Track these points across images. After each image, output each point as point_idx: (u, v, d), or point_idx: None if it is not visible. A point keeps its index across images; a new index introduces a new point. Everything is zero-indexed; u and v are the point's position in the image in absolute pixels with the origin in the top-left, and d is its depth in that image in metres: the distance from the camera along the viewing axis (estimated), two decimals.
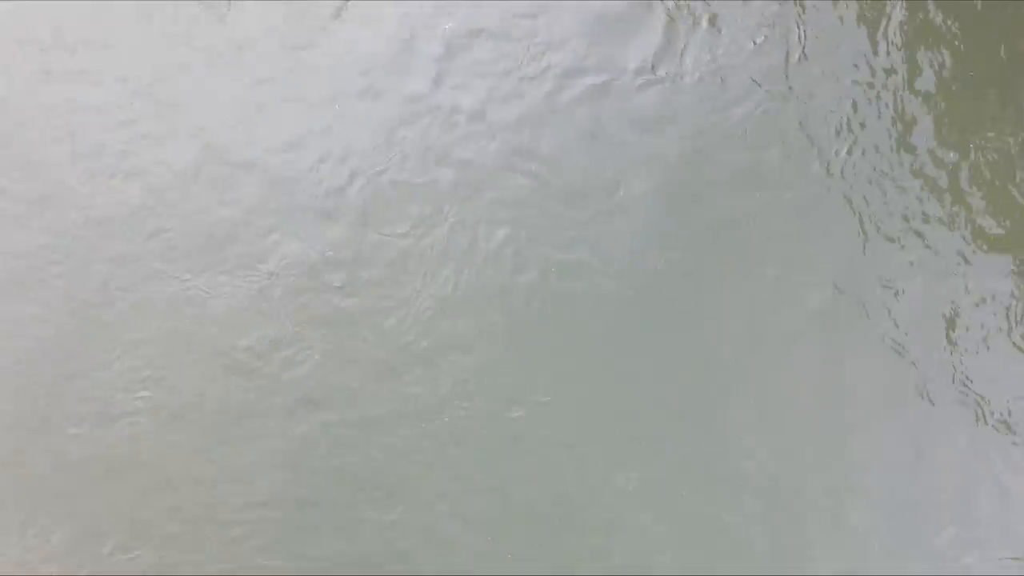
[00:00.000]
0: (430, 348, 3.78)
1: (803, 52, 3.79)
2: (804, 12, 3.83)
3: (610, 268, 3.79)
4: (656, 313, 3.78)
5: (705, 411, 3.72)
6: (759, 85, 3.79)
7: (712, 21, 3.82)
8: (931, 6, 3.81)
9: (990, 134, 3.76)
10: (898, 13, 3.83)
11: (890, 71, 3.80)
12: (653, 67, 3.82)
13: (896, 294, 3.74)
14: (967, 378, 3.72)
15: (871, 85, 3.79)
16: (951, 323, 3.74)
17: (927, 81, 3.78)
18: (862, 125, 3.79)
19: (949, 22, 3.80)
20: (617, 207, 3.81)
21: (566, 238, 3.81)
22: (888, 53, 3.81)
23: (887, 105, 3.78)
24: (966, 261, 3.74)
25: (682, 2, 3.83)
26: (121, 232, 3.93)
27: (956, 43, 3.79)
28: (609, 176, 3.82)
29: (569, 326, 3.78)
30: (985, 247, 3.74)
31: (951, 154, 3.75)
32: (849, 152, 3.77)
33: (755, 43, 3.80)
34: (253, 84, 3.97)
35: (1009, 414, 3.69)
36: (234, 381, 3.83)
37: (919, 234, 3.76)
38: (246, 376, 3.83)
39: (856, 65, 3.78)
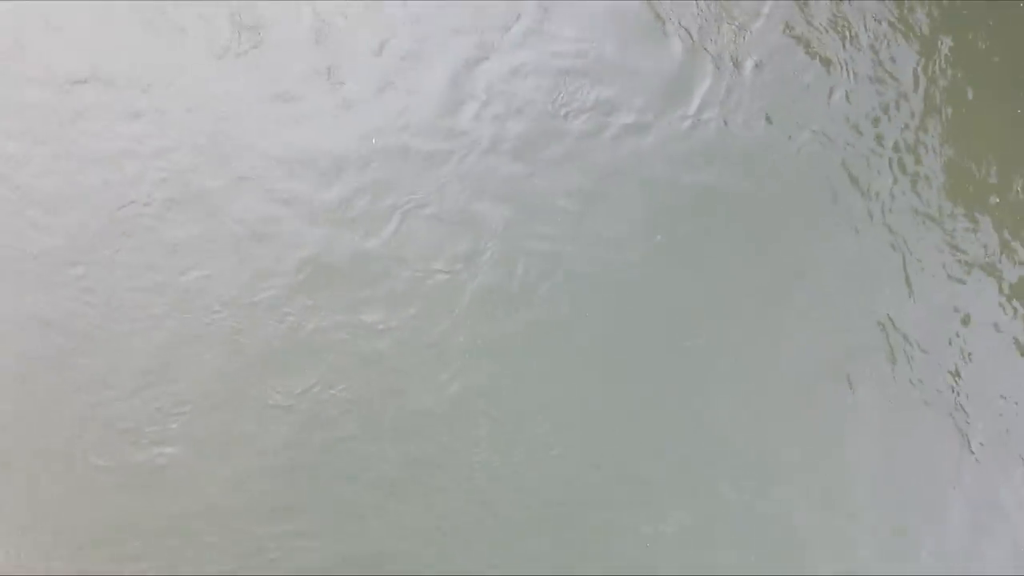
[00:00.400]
0: (453, 367, 3.70)
1: (846, 93, 3.88)
2: (847, 52, 3.95)
3: (648, 307, 3.76)
4: (691, 347, 3.73)
5: (731, 448, 3.67)
6: (803, 127, 3.86)
7: (757, 63, 3.91)
8: (981, 41, 3.95)
9: None
10: (945, 46, 3.95)
11: (934, 109, 3.91)
12: (697, 108, 3.89)
13: (937, 337, 3.73)
14: (1008, 427, 3.68)
15: (915, 125, 3.89)
16: (995, 368, 3.72)
17: (973, 119, 3.88)
18: (903, 165, 3.85)
19: (1000, 57, 3.93)
20: (657, 245, 3.80)
21: (603, 273, 3.78)
22: (932, 91, 3.91)
23: (931, 146, 3.86)
24: (1013, 305, 3.76)
25: (726, 45, 3.93)
26: (143, 243, 3.78)
27: (1009, 81, 3.91)
28: (649, 215, 3.83)
29: (588, 351, 3.74)
30: None
31: (993, 195, 3.82)
32: (892, 194, 3.82)
33: (801, 83, 3.89)
34: (291, 118, 3.91)
35: None
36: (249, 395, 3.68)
37: (961, 278, 3.78)
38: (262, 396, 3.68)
39: (898, 105, 3.88)
